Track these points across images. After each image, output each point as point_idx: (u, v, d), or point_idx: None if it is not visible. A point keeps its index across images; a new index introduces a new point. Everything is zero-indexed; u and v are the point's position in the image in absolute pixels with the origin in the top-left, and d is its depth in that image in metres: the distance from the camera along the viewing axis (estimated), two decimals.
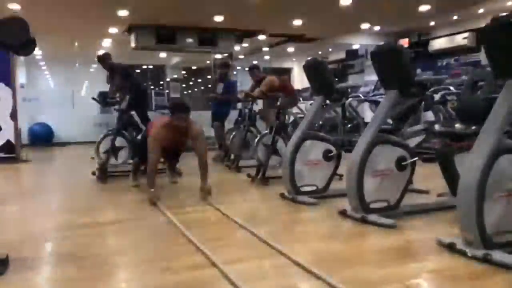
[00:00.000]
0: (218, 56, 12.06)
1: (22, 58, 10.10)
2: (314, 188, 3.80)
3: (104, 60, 5.95)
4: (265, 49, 13.68)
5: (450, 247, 2.34)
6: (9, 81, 7.05)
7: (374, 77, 8.61)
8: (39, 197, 4.40)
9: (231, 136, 6.36)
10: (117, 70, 5.83)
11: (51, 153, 9.38)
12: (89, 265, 2.32)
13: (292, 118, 8.09)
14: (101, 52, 6.36)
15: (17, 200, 4.28)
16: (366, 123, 4.84)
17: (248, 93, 5.95)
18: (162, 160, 5.64)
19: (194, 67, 17.73)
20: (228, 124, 6.81)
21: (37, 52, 11.54)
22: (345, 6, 8.36)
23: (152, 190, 3.81)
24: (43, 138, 10.50)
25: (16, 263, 2.25)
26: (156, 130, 3.99)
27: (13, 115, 7.10)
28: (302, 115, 7.41)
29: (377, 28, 11.20)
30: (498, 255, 2.12)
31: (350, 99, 7.84)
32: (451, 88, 5.95)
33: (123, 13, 8.51)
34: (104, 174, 5.04)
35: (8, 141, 7.09)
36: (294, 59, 16.91)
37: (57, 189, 5.10)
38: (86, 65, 14.02)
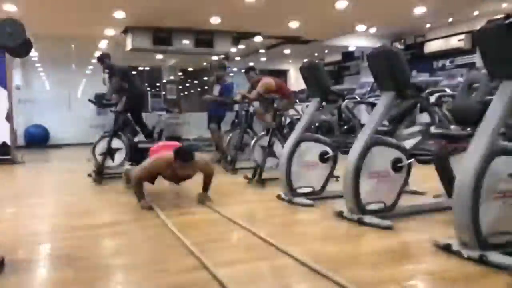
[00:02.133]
0: (215, 57, 12.07)
1: (18, 59, 10.07)
2: (310, 189, 3.81)
3: (103, 60, 5.93)
4: (262, 51, 13.70)
5: (446, 249, 2.35)
6: (5, 83, 7.03)
7: (370, 79, 8.64)
8: (35, 199, 4.38)
9: (228, 138, 6.37)
10: (116, 71, 5.82)
11: (47, 155, 9.35)
12: (85, 267, 2.31)
13: (288, 120, 8.10)
14: (100, 52, 6.34)
15: (13, 203, 4.27)
16: (362, 125, 4.85)
17: (244, 94, 5.96)
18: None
19: (190, 69, 17.74)
20: (225, 126, 6.82)
21: (33, 53, 11.46)
22: (341, 8, 8.39)
23: (142, 201, 3.67)
24: (39, 139, 10.48)
25: (12, 266, 2.25)
26: (155, 163, 3.72)
27: (9, 117, 7.08)
28: (298, 117, 7.42)
29: (373, 30, 11.25)
30: (493, 256, 2.13)
31: (346, 101, 7.86)
32: (447, 90, 5.98)
33: (119, 14, 8.51)
34: (100, 176, 5.03)
35: (4, 143, 7.06)
36: (290, 61, 16.93)
37: (53, 191, 5.08)
38: (83, 66, 13.97)
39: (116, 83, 5.74)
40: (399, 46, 12.08)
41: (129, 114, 5.77)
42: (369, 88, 10.52)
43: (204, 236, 2.87)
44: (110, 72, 5.95)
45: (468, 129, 3.13)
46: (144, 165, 3.75)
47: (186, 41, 10.32)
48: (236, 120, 6.66)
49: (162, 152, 3.85)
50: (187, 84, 18.75)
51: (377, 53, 3.18)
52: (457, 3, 8.87)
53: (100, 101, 6.27)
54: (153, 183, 4.02)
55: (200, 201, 3.83)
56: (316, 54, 14.73)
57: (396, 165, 3.07)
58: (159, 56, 13.91)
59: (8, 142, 7.11)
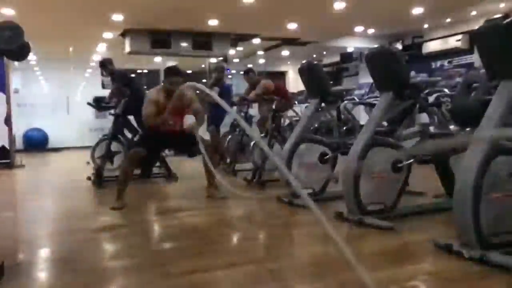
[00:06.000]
0: (213, 60, 12.07)
1: (16, 63, 10.07)
2: (310, 191, 3.80)
3: (105, 65, 5.91)
4: (260, 52, 13.71)
5: (447, 249, 2.34)
6: (3, 87, 7.02)
7: (368, 80, 8.65)
8: (34, 203, 4.37)
9: (227, 140, 6.36)
10: (117, 76, 5.80)
11: (46, 158, 9.34)
12: (85, 271, 2.30)
13: (287, 122, 8.09)
14: (102, 58, 6.33)
15: (12, 206, 4.26)
16: (362, 126, 4.85)
17: (243, 96, 5.96)
18: (158, 164, 5.64)
19: (189, 71, 17.73)
20: (224, 128, 6.81)
21: (32, 57, 11.48)
22: (339, 10, 8.40)
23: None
24: (38, 143, 10.46)
25: (12, 270, 2.24)
26: (151, 92, 4.03)
27: (7, 121, 7.08)
28: (297, 118, 7.41)
29: (371, 31, 11.26)
30: (494, 256, 2.13)
31: (345, 101, 7.85)
32: (446, 90, 5.98)
33: (117, 17, 8.50)
34: (99, 179, 5.02)
35: (3, 147, 7.06)
36: (288, 63, 16.94)
37: (52, 194, 5.07)
38: (81, 70, 13.98)
39: (116, 89, 5.73)
40: (397, 46, 12.10)
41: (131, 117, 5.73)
42: (368, 89, 10.54)
43: (204, 239, 2.87)
44: (112, 77, 5.94)
45: (468, 129, 3.13)
46: (144, 106, 3.95)
47: (184, 44, 10.32)
48: (235, 122, 6.65)
49: None
50: None
51: (375, 54, 3.19)
52: (455, 3, 8.88)
53: (99, 104, 6.25)
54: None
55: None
56: (314, 56, 14.73)
57: (396, 166, 3.07)
58: (158, 59, 13.90)
59: (7, 146, 7.10)
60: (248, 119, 6.17)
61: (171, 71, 3.96)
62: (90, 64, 13.22)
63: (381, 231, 2.83)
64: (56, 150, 10.45)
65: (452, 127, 3.85)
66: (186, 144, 3.86)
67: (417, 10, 9.13)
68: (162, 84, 3.97)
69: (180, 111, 3.85)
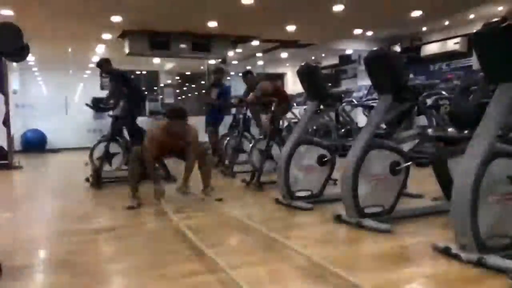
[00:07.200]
0: (212, 61, 12.07)
1: (15, 64, 10.06)
2: (309, 193, 3.80)
3: (102, 65, 5.89)
4: (259, 54, 13.71)
5: (445, 252, 2.35)
6: (2, 87, 7.02)
7: (367, 82, 8.66)
8: (32, 204, 4.36)
9: (225, 141, 6.37)
10: (115, 76, 5.79)
11: (44, 159, 9.33)
12: (83, 273, 2.30)
13: (286, 123, 8.10)
14: (100, 58, 6.33)
15: (10, 207, 4.25)
16: (360, 128, 4.86)
17: (242, 98, 5.97)
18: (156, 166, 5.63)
19: (188, 73, 17.73)
20: (223, 129, 6.82)
21: (30, 58, 11.45)
22: (338, 12, 8.41)
23: (156, 185, 3.91)
24: (36, 144, 10.45)
25: (10, 271, 2.23)
26: (153, 131, 4.06)
27: (6, 122, 7.06)
28: (296, 120, 7.42)
29: (369, 33, 11.28)
30: (492, 259, 2.13)
31: (343, 104, 7.87)
32: (444, 93, 5.99)
33: (117, 19, 8.50)
34: (98, 181, 5.02)
35: (1, 148, 7.05)
36: (287, 65, 16.94)
37: (50, 195, 5.06)
38: (80, 71, 13.95)
39: (114, 88, 5.72)
40: (395, 49, 12.12)
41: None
42: (366, 91, 10.56)
43: (203, 241, 2.86)
44: (110, 77, 5.93)
45: (466, 131, 3.14)
46: (145, 140, 3.99)
47: (183, 45, 10.32)
48: (234, 124, 6.66)
49: None
50: (185, 88, 18.73)
51: (373, 56, 3.19)
52: (453, 6, 8.90)
53: (97, 105, 6.25)
54: (159, 160, 4.18)
55: (178, 189, 3.96)
56: (313, 58, 14.74)
57: (394, 168, 3.07)
58: (157, 60, 13.89)
59: (5, 147, 7.09)
60: (247, 120, 6.18)
61: (175, 113, 3.94)
62: (89, 65, 13.19)
63: (379, 234, 2.83)
64: (55, 151, 10.44)
65: (450, 129, 3.86)
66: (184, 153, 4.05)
67: (416, 13, 9.15)
68: (166, 123, 3.95)
69: (179, 136, 3.95)
